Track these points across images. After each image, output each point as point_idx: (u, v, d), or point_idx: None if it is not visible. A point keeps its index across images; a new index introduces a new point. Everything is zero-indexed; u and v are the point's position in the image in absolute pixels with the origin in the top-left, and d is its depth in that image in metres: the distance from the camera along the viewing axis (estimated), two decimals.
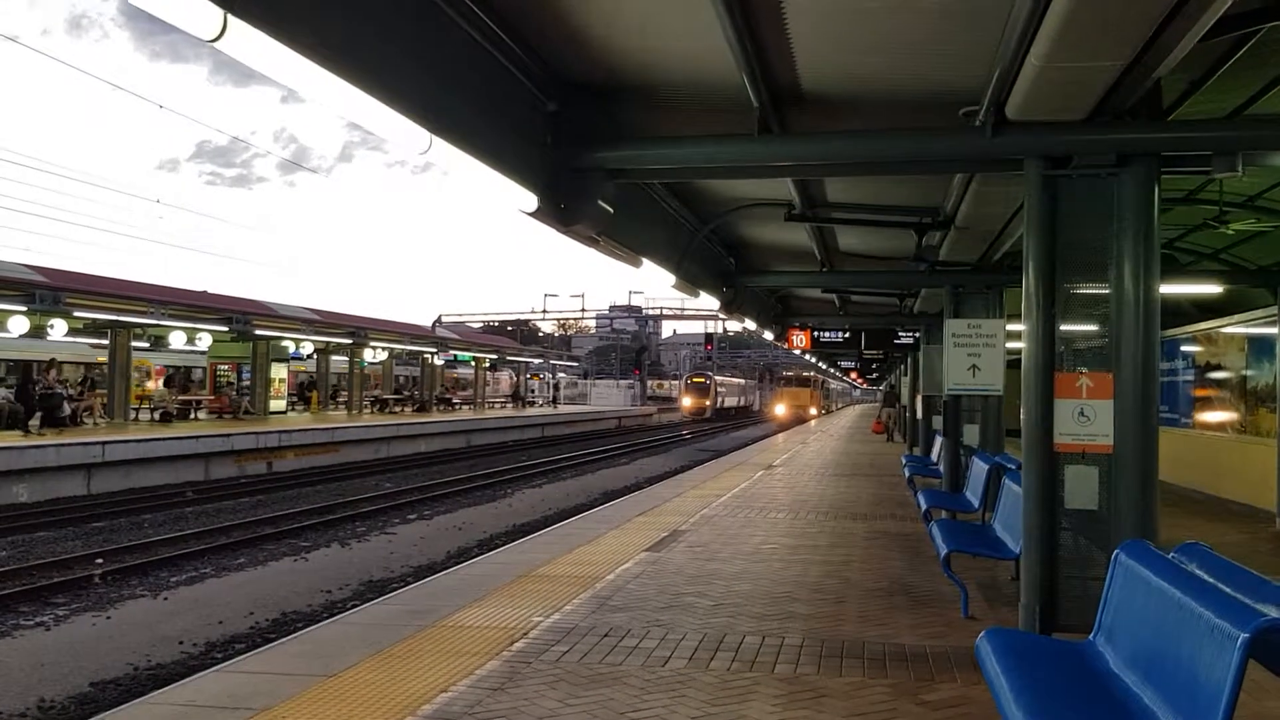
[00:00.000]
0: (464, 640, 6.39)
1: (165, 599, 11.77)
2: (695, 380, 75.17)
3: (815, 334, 20.00)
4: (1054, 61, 4.66)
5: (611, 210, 6.54)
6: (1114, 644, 4.37)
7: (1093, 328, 6.00)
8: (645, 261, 8.80)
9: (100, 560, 13.70)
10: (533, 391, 62.17)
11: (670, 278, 9.90)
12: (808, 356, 37.49)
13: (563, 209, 6.28)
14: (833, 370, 62.07)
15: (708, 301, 13.39)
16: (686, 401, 72.73)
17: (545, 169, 6.09)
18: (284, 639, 6.94)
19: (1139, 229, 5.82)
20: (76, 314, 23.63)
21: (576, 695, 5.28)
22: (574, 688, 5.40)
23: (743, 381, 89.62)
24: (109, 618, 10.81)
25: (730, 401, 79.36)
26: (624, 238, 8.02)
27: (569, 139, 6.28)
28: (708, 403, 71.51)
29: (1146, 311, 5.83)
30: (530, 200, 5.81)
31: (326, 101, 3.77)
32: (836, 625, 6.99)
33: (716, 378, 76.80)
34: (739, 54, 5.41)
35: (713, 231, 12.01)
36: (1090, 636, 4.62)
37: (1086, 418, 5.93)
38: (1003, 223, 9.42)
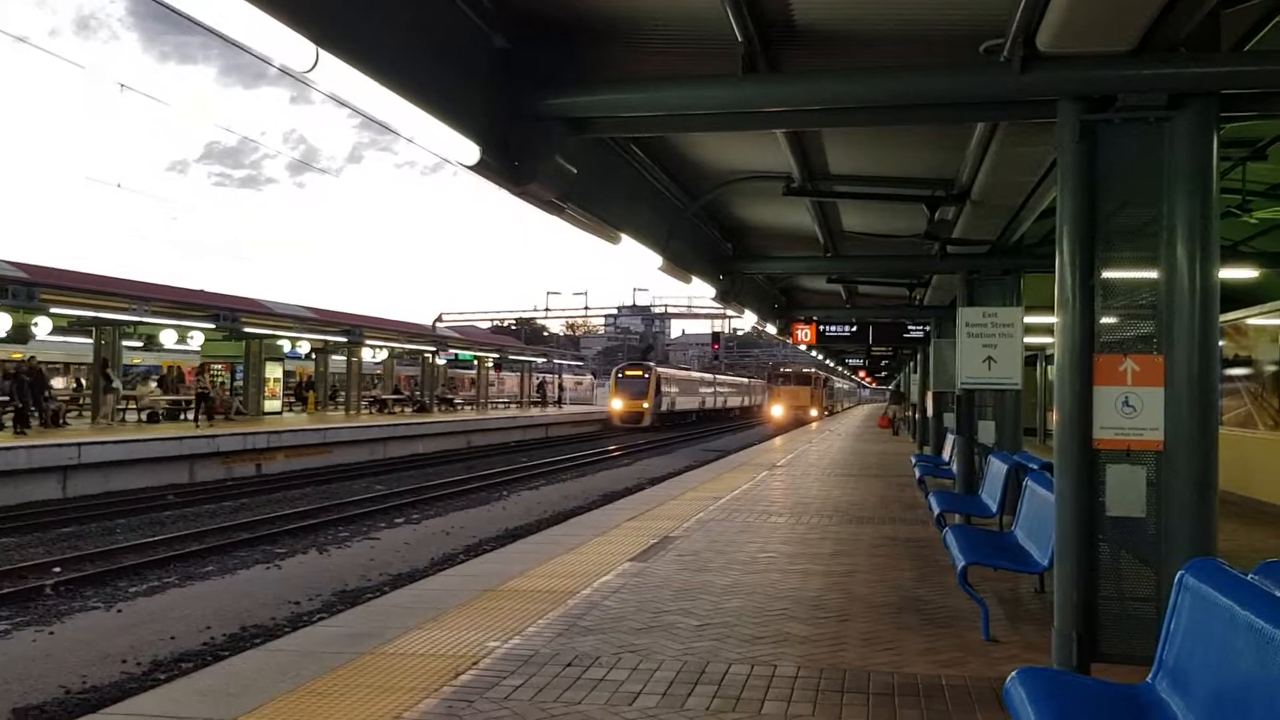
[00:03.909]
0: (401, 672, 5.47)
1: (119, 611, 11.01)
2: (628, 374, 54.50)
3: (821, 328, 19.06)
4: None
5: (574, 170, 5.63)
6: (1184, 691, 3.45)
7: (1139, 302, 5.06)
8: (624, 238, 7.87)
9: (58, 569, 12.93)
10: (539, 391, 61.46)
11: (656, 259, 8.97)
12: (814, 353, 36.46)
13: (516, 166, 5.36)
14: (841, 369, 60.61)
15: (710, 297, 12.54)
16: (616, 404, 52.95)
17: (491, 116, 5.16)
18: (196, 671, 6.05)
19: (1194, 184, 4.90)
20: (54, 310, 22.80)
21: None
22: None
23: (708, 377, 70.41)
24: (52, 633, 10.07)
25: (687, 403, 60.47)
26: (598, 208, 7.09)
27: (522, 82, 5.35)
28: (645, 406, 52.01)
29: (1204, 282, 4.91)
30: (470, 151, 4.89)
31: None
32: (837, 650, 6.05)
33: (661, 370, 57.05)
34: None
35: (706, 211, 11.10)
36: (1149, 678, 3.70)
37: (1132, 408, 5.00)
38: (1024, 194, 8.48)
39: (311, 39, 3.50)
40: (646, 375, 53.23)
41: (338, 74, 3.75)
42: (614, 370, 57.72)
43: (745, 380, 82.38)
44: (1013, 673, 3.64)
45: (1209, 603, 3.38)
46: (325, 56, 3.59)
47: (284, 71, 3.72)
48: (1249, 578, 3.56)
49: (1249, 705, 2.93)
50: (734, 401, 74.21)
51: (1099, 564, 5.06)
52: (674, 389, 57.21)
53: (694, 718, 4.74)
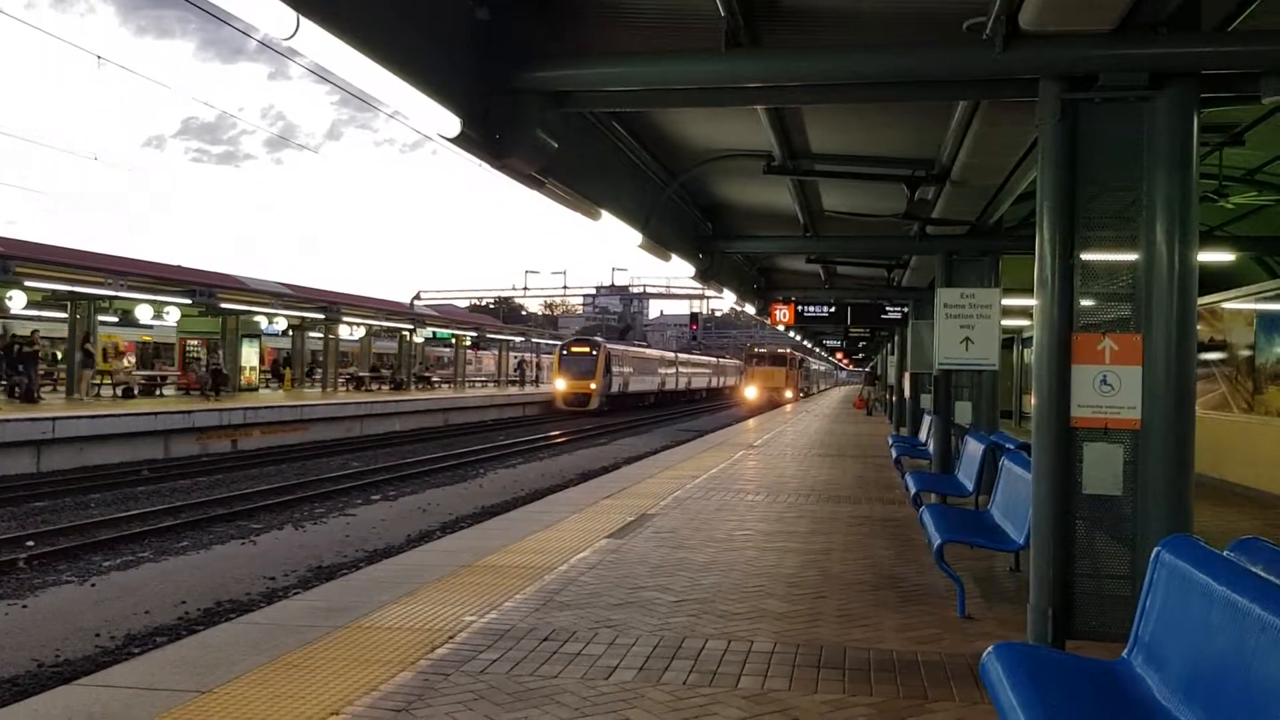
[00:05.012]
0: (377, 645, 5.46)
1: (93, 585, 10.93)
2: (574, 350, 48.47)
3: (799, 308, 19.02)
4: None
5: (555, 145, 5.58)
6: (1159, 666, 3.47)
7: (1118, 281, 5.08)
8: (605, 214, 7.82)
9: (31, 543, 12.81)
10: (518, 370, 61.37)
11: (636, 236, 8.94)
12: (792, 334, 36.50)
13: (497, 139, 5.31)
14: (818, 350, 60.60)
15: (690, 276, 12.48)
16: (559, 384, 47.32)
17: (472, 87, 5.10)
18: (170, 644, 6.00)
19: (1174, 164, 4.91)
20: (28, 284, 22.49)
21: (495, 718, 4.36)
22: (495, 707, 4.48)
23: (669, 355, 64.97)
24: (25, 607, 9.97)
25: (643, 384, 54.64)
26: (578, 184, 7.03)
27: (504, 54, 5.29)
28: (593, 386, 46.62)
29: (1182, 263, 4.93)
30: (451, 123, 4.84)
31: None
32: (813, 626, 6.08)
33: (612, 346, 50.70)
34: None
35: (687, 190, 11.06)
36: (1124, 654, 3.72)
37: (1110, 386, 5.03)
38: (1004, 174, 8.48)
39: (291, 4, 3.44)
40: (594, 352, 47.60)
41: (318, 42, 3.68)
42: (558, 347, 51.44)
43: (715, 360, 78.19)
44: (989, 648, 3.64)
45: (1185, 579, 3.40)
46: (305, 24, 3.52)
47: (264, 44, 3.66)
48: (1225, 554, 3.58)
49: (1224, 680, 2.95)
50: (700, 383, 69.97)
51: (1075, 542, 5.09)
52: (627, 368, 51.68)
53: (670, 691, 4.76)
